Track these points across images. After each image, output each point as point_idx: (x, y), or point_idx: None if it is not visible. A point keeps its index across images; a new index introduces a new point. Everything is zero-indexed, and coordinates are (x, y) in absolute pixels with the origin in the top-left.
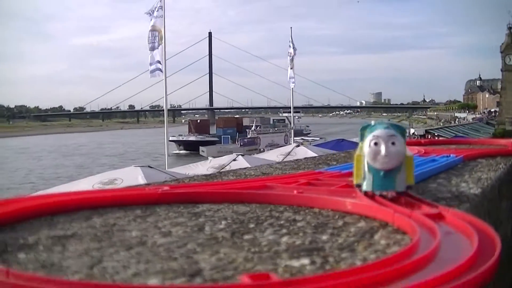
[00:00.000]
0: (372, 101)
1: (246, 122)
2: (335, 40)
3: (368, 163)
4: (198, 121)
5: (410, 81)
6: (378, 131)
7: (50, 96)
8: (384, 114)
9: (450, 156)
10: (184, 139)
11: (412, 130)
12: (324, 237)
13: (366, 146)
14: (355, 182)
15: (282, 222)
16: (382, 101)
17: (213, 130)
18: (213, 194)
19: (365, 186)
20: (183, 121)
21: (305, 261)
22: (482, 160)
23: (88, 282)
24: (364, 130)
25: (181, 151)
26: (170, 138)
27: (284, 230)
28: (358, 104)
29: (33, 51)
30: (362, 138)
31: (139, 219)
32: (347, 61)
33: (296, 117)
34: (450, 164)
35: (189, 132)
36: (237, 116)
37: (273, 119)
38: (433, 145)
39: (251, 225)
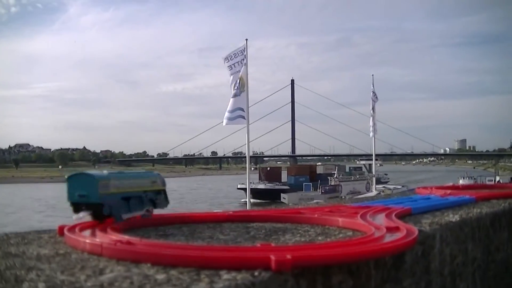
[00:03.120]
0: (457, 149)
1: (319, 170)
2: (419, 86)
3: None
4: (268, 168)
5: (496, 127)
6: None
7: (135, 141)
8: (469, 161)
9: (464, 196)
10: (252, 187)
11: (497, 178)
12: (320, 238)
13: None
14: None
15: (300, 231)
16: (467, 148)
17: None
18: (260, 216)
19: None
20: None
21: None
22: (494, 200)
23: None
24: None
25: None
26: (238, 186)
27: (298, 235)
28: (442, 151)
29: (121, 98)
30: None
31: (211, 228)
32: (431, 108)
33: (378, 164)
34: (460, 202)
35: (259, 179)
36: (311, 163)
37: (350, 167)
38: (470, 189)
39: (280, 232)
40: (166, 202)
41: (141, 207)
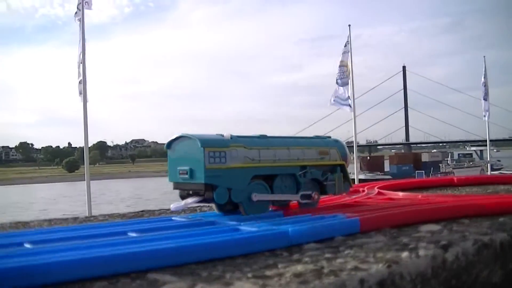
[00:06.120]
0: None
1: (425, 158)
2: None
3: None
4: (368, 158)
5: None
6: None
7: (247, 133)
8: None
9: (337, 216)
10: (351, 177)
11: None
12: None
13: None
14: None
15: None
16: None
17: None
18: None
19: None
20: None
21: None
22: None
23: None
24: None
25: None
26: None
27: None
28: None
29: (231, 91)
30: None
31: None
32: None
33: (494, 150)
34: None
35: (359, 169)
36: (415, 152)
37: (459, 154)
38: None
39: None
40: (346, 184)
41: (294, 191)
